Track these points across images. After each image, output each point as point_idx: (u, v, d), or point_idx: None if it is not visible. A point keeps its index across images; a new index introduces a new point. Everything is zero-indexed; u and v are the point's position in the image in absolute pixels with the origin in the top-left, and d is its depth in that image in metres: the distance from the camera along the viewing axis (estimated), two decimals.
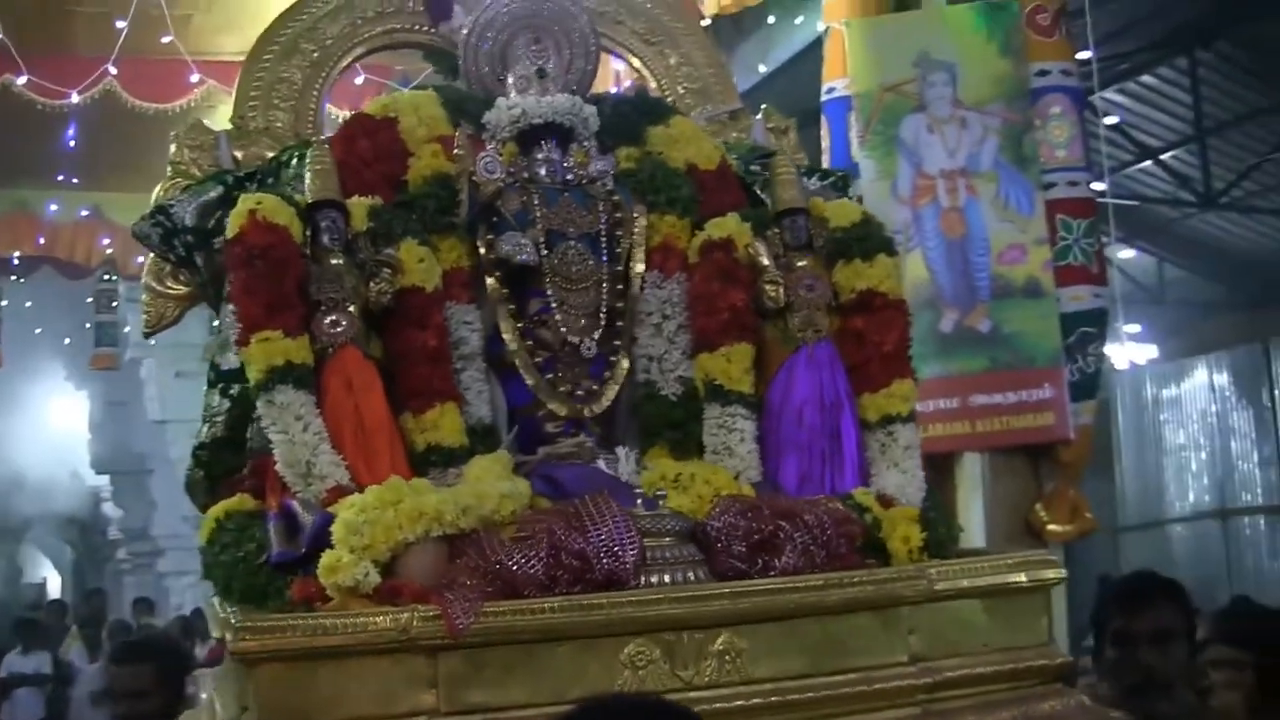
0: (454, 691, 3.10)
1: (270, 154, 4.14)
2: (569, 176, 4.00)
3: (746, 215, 4.05)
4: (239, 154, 4.17)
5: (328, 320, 3.61)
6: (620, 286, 3.99)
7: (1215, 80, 16.03)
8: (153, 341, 20.20)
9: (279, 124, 4.24)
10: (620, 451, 3.82)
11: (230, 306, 3.79)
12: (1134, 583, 4.31)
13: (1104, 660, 4.17)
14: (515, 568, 3.23)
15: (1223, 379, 19.88)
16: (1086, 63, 8.80)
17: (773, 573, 3.39)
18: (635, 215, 4.02)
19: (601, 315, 3.94)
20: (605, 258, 3.95)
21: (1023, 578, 3.56)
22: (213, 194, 4.00)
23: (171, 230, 3.99)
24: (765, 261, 3.95)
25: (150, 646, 5.72)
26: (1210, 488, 19.83)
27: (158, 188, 4.16)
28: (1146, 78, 16.06)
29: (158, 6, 10.07)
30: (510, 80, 4.09)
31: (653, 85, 4.62)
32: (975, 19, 7.36)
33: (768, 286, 3.92)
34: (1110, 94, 12.91)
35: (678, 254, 4.02)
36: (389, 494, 3.32)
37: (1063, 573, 3.67)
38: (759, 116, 4.66)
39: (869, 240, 4.00)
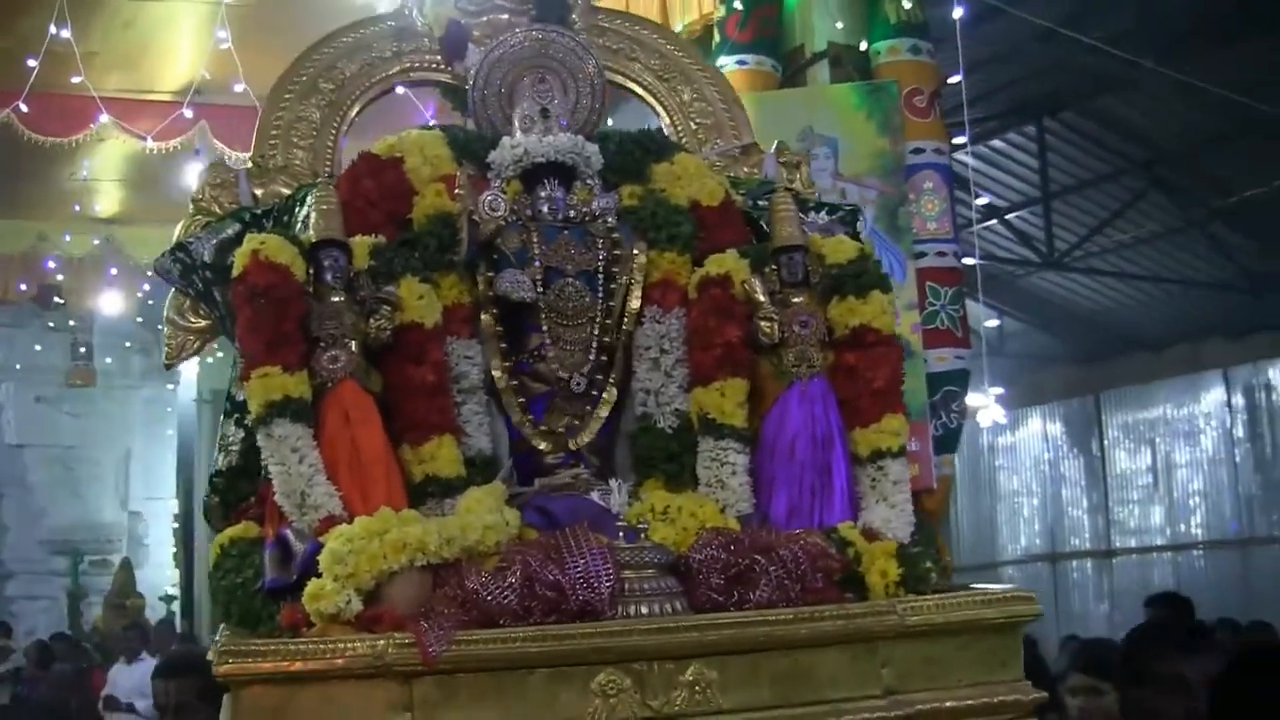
0: (428, 716, 3.21)
1: (287, 191, 4.28)
2: (570, 214, 4.09)
3: (744, 251, 4.12)
4: (258, 191, 4.31)
5: (327, 355, 3.73)
6: (611, 322, 4.07)
7: (1061, 147, 16.90)
8: (18, 366, 20.40)
9: (297, 162, 4.38)
10: (613, 483, 3.91)
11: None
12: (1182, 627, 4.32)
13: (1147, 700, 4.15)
14: (489, 597, 3.33)
15: (1056, 429, 21.74)
16: (959, 141, 10.16)
17: (747, 605, 3.47)
18: (635, 252, 4.10)
19: (593, 350, 4.04)
20: (601, 294, 4.04)
21: (995, 614, 3.60)
22: (230, 231, 4.15)
23: (190, 266, 4.15)
24: (761, 298, 4.02)
25: (195, 661, 5.90)
26: (1041, 532, 21.53)
27: (179, 225, 4.32)
28: (997, 141, 16.91)
29: (65, 44, 10.34)
30: (515, 119, 4.20)
31: (666, 121, 4.71)
32: (857, 98, 8.14)
33: (762, 323, 3.99)
34: (961, 155, 13.40)
35: (677, 290, 4.11)
36: (376, 524, 3.44)
37: (1038, 609, 3.70)
38: (772, 151, 4.72)
39: (864, 277, 4.05)
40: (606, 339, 4.05)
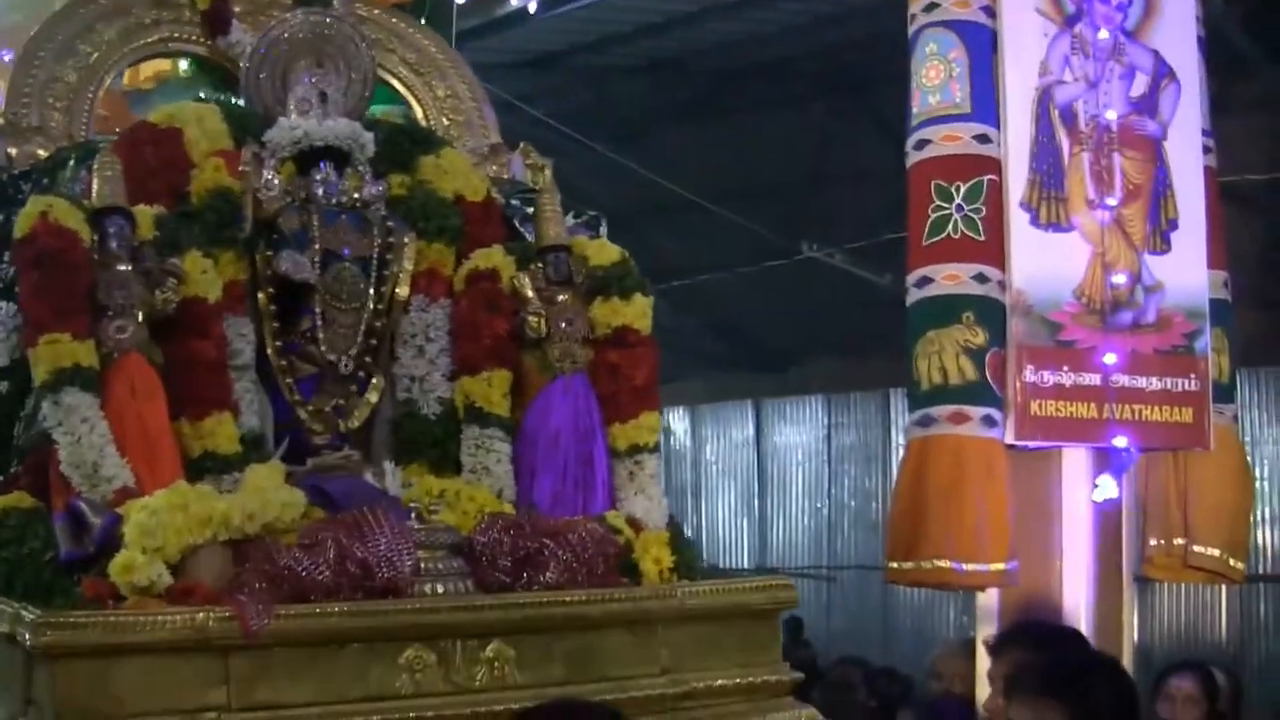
0: (243, 690, 3.25)
1: (43, 152, 4.17)
2: (343, 199, 4.14)
3: (511, 248, 4.30)
4: (12, 150, 4.16)
5: (114, 325, 3.67)
6: (382, 307, 4.15)
7: None
8: None
9: (53, 124, 4.25)
10: (387, 466, 4.01)
11: (2, 304, 3.85)
12: None
13: None
14: (304, 573, 3.39)
15: None
16: None
17: (536, 587, 3.65)
18: (405, 241, 4.19)
19: (360, 334, 4.11)
20: (374, 280, 4.12)
21: (762, 599, 3.91)
22: None
23: None
24: (529, 294, 4.21)
25: None
26: None
27: None
28: None
29: None
30: (291, 101, 4.21)
31: (420, 114, 4.80)
32: None
33: (531, 318, 4.17)
34: None
35: (443, 281, 4.24)
36: (177, 498, 3.44)
37: (795, 595, 4.04)
38: (517, 153, 4.89)
39: (627, 280, 4.29)
40: (377, 324, 4.13)
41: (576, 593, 3.63)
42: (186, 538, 3.38)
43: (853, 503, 15.40)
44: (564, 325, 4.21)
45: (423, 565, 3.56)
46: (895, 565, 5.72)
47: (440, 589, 3.56)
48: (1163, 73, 6.16)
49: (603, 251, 4.37)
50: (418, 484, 3.99)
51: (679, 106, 13.81)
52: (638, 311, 4.28)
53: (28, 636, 3.13)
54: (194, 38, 4.52)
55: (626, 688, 3.64)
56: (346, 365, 4.07)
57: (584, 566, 3.71)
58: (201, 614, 3.22)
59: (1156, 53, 6.15)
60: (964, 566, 5.51)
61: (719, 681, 3.80)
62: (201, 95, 4.51)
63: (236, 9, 4.49)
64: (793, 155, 13.87)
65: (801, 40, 12.13)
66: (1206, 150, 6.22)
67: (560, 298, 4.26)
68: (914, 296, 5.82)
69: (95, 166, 3.82)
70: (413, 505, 3.73)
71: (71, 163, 4.05)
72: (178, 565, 3.37)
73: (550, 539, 3.71)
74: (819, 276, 13.80)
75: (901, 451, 14.41)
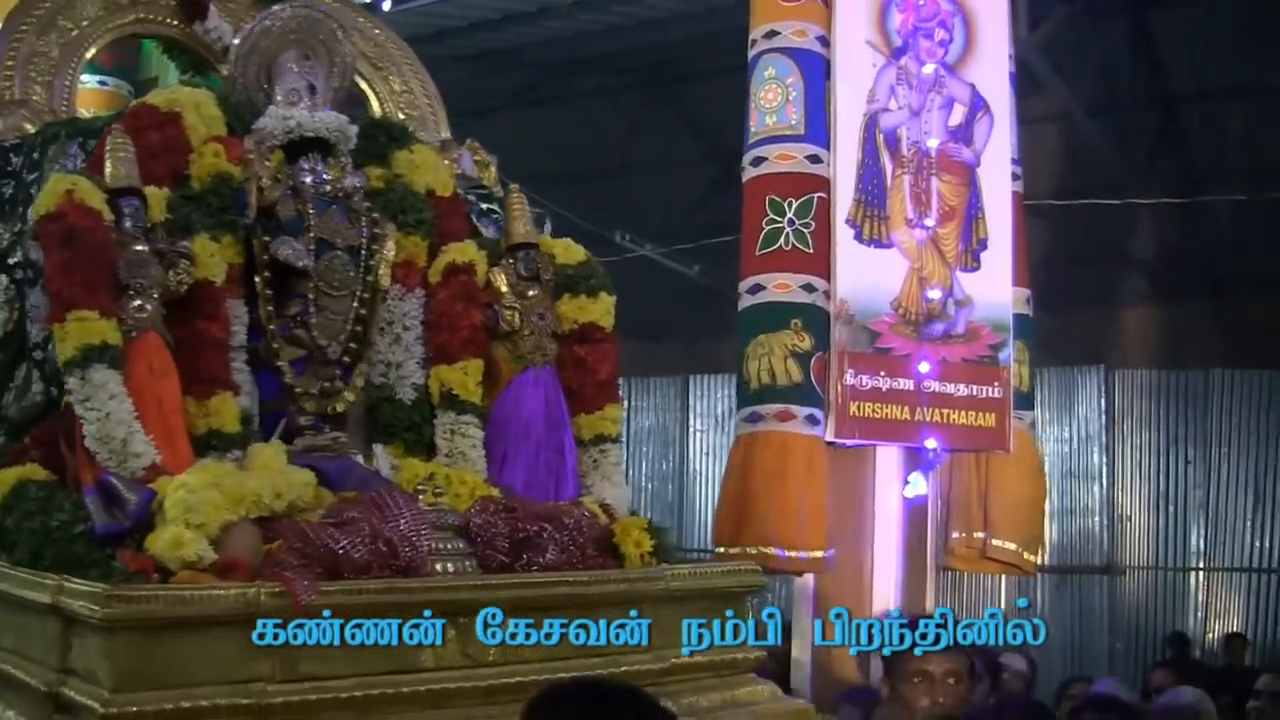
0: (287, 662, 3.39)
1: (30, 126, 4.19)
2: (327, 189, 4.28)
3: (483, 244, 4.50)
4: None
5: (134, 305, 3.76)
6: (368, 296, 4.31)
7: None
8: None
9: (36, 97, 4.28)
10: (378, 449, 4.18)
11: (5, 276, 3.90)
12: None
13: None
14: (341, 551, 3.56)
15: None
16: None
17: (535, 568, 3.87)
18: (387, 232, 4.35)
19: (350, 321, 4.27)
20: (362, 269, 4.28)
21: (734, 582, 4.21)
22: None
23: None
24: (504, 289, 4.42)
25: None
26: None
27: None
28: None
29: None
30: (279, 91, 4.32)
31: (376, 108, 4.94)
32: None
33: (506, 311, 4.39)
34: None
35: (418, 272, 4.41)
36: (209, 476, 3.56)
37: (764, 580, 4.36)
38: (465, 148, 5.07)
39: (594, 279, 4.54)
40: (363, 311, 4.28)
41: (581, 574, 3.86)
42: (224, 514, 3.49)
43: (650, 485, 15.57)
44: (535, 319, 4.44)
45: (431, 545, 3.75)
46: (721, 550, 6.20)
47: (451, 567, 3.76)
48: (978, 105, 6.81)
49: (569, 251, 4.61)
50: (402, 466, 4.17)
51: (505, 95, 14.15)
52: (603, 309, 4.53)
53: (94, 608, 3.21)
54: (168, 20, 4.57)
55: (620, 663, 3.88)
56: (335, 350, 4.22)
57: (579, 549, 3.95)
58: (253, 589, 3.35)
59: (973, 86, 6.80)
60: (786, 553, 6.03)
61: (696, 658, 4.07)
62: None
63: None
64: (606, 145, 14.52)
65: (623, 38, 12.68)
66: (1015, 177, 6.92)
67: (531, 293, 4.48)
68: (746, 302, 6.31)
69: (109, 147, 3.88)
70: (420, 488, 3.92)
71: (62, 138, 4.08)
72: (214, 542, 3.49)
73: (548, 522, 3.94)
74: (624, 262, 14.16)
75: (697, 436, 15.04)
